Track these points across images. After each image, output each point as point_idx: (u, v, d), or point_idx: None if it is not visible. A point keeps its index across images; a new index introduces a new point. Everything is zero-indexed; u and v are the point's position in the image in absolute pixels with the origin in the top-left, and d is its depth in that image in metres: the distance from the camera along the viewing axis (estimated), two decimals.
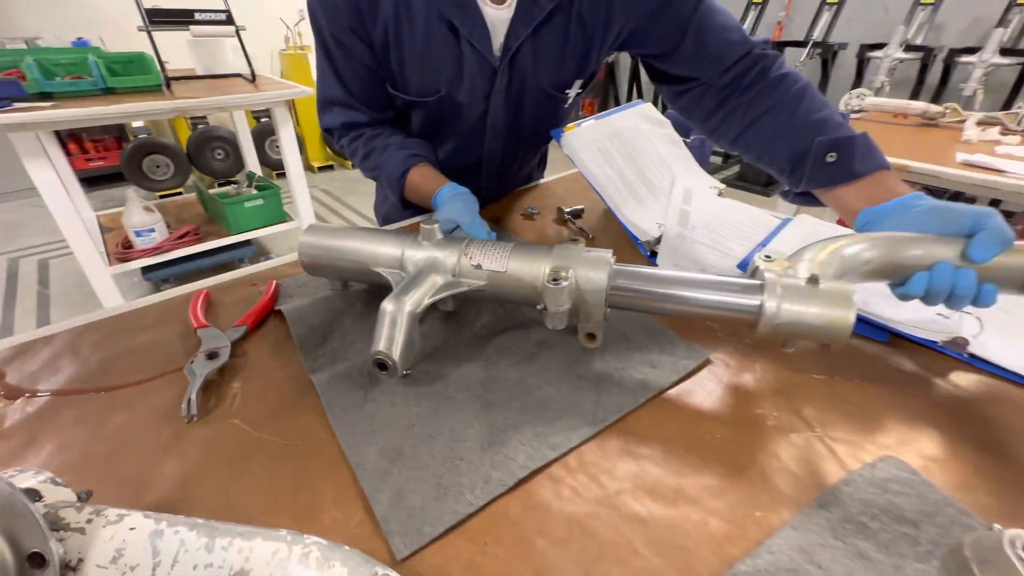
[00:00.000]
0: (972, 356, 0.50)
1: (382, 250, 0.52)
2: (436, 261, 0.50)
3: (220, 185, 3.33)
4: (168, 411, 0.45)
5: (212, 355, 0.49)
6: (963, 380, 0.48)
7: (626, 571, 0.32)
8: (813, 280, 0.40)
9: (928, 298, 0.43)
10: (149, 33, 1.97)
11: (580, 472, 0.39)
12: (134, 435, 0.42)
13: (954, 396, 0.47)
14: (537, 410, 0.44)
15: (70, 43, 3.04)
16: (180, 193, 3.34)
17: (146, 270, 2.22)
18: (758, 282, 0.42)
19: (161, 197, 3.18)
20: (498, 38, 0.62)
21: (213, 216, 2.41)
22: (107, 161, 3.64)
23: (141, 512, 0.28)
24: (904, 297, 0.45)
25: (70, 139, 3.53)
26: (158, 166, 3.29)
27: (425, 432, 0.41)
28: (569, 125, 0.76)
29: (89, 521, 0.28)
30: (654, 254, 0.70)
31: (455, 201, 0.61)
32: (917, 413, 0.45)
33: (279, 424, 0.43)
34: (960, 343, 0.50)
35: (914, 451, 0.41)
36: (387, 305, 0.45)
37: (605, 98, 5.13)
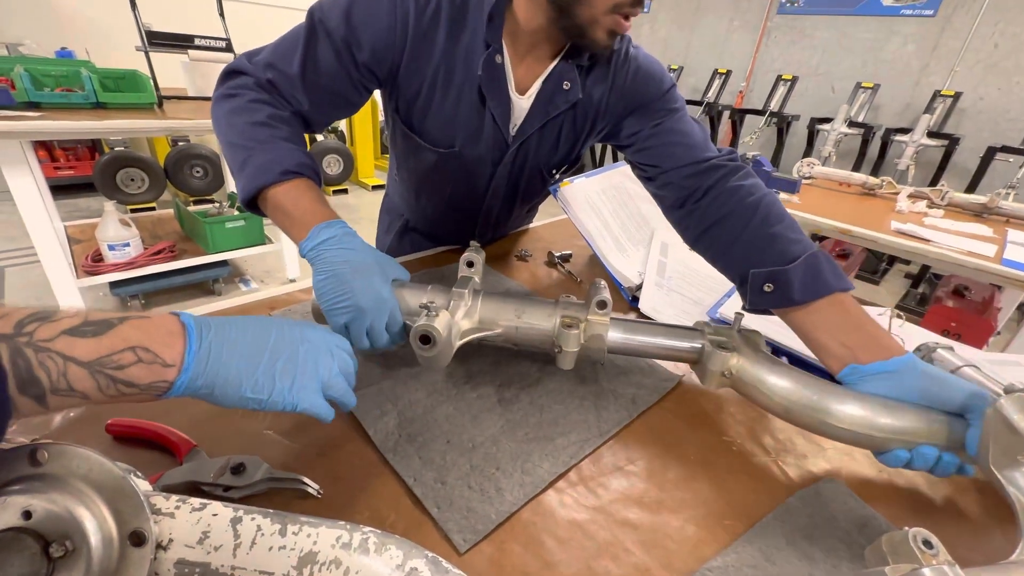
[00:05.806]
0: None
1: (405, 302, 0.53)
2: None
3: (196, 203, 3.30)
4: (198, 424, 0.48)
5: None
6: None
7: (620, 565, 0.39)
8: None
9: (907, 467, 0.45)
10: (147, 54, 2.01)
11: (580, 485, 0.45)
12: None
13: None
14: (552, 425, 0.51)
15: (54, 53, 3.02)
16: (153, 208, 3.28)
17: (114, 285, 2.16)
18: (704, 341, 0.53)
19: (133, 211, 3.12)
20: (515, 120, 0.70)
21: (190, 234, 2.39)
22: (77, 171, 3.55)
23: (220, 502, 0.33)
24: (883, 461, 0.46)
25: (39, 146, 3.44)
26: (132, 179, 3.23)
27: (461, 446, 0.48)
28: (564, 181, 0.86)
29: (177, 507, 0.32)
30: (635, 298, 0.79)
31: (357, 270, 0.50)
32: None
33: (309, 435, 0.48)
34: None
35: (849, 474, 0.50)
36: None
37: None
